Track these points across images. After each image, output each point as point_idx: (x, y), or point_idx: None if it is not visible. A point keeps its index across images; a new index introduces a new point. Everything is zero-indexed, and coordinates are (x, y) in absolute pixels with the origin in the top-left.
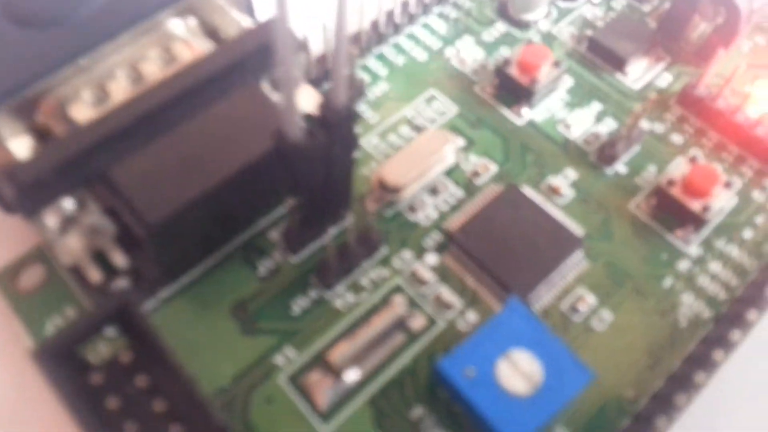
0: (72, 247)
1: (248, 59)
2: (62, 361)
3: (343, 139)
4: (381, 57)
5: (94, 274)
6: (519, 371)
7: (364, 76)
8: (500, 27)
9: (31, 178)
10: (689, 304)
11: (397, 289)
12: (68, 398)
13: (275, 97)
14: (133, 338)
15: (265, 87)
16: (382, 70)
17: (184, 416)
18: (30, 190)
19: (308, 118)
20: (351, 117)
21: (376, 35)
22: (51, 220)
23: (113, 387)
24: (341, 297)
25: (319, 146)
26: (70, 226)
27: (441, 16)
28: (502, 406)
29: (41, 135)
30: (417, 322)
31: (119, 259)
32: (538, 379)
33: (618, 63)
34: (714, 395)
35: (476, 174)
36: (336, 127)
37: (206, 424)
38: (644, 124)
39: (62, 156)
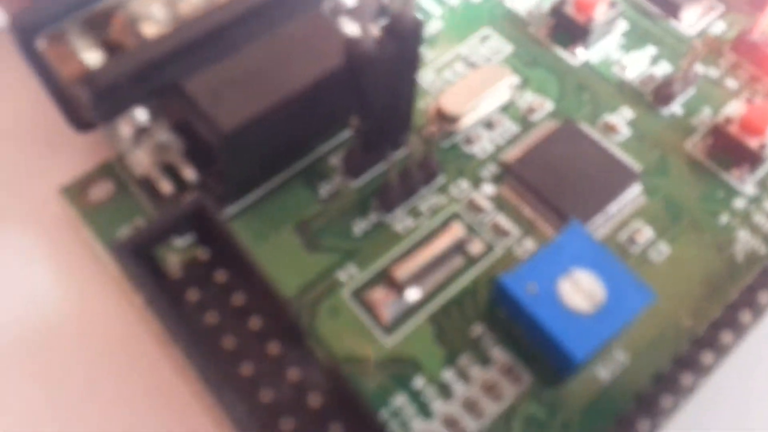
0: (144, 157)
1: None
2: (141, 258)
3: (409, 55)
4: None
5: (165, 186)
6: (580, 289)
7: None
8: None
9: (108, 82)
10: (745, 241)
11: (455, 216)
12: (148, 291)
13: (339, 21)
14: (208, 242)
15: (329, 15)
16: (436, 9)
17: (261, 311)
18: (106, 95)
19: (380, 28)
20: (419, 31)
21: None
22: (125, 129)
23: (192, 282)
24: (401, 221)
25: (388, 57)
26: (142, 137)
27: None
28: (564, 322)
29: (113, 50)
30: (475, 247)
31: (189, 173)
32: (600, 297)
33: (672, 9)
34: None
35: (532, 110)
36: (405, 39)
37: (281, 320)
38: (699, 69)
39: (136, 63)
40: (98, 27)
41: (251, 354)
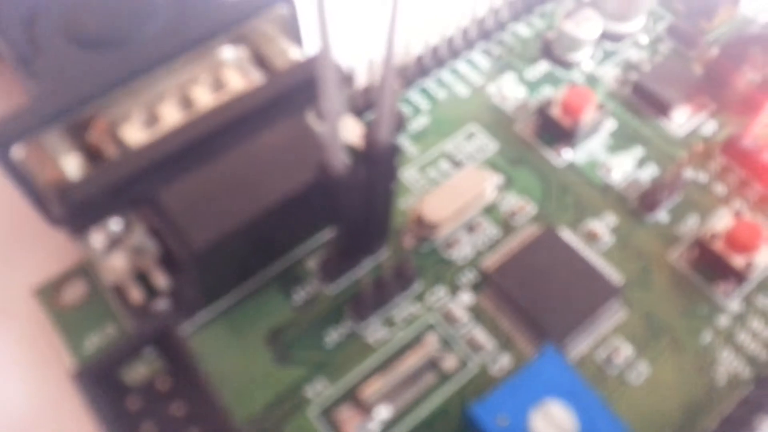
0: (115, 266)
1: (295, 92)
2: (101, 383)
3: (385, 174)
4: (423, 91)
5: (136, 295)
6: (553, 423)
7: (406, 110)
8: (543, 65)
9: (81, 198)
10: (728, 362)
11: (430, 327)
12: (106, 421)
13: (319, 128)
14: (170, 361)
15: (310, 118)
16: (423, 104)
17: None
18: (79, 210)
19: (351, 151)
20: (393, 153)
21: (420, 69)
22: (97, 239)
23: (150, 412)
24: (374, 331)
25: (361, 180)
26: (115, 246)
27: (485, 52)
28: None
29: (91, 154)
30: (449, 363)
31: (161, 280)
32: (572, 430)
33: (662, 108)
34: None
35: (514, 213)
36: (378, 162)
37: None
38: (688, 173)
39: (112, 178)
40: (78, 131)
41: None
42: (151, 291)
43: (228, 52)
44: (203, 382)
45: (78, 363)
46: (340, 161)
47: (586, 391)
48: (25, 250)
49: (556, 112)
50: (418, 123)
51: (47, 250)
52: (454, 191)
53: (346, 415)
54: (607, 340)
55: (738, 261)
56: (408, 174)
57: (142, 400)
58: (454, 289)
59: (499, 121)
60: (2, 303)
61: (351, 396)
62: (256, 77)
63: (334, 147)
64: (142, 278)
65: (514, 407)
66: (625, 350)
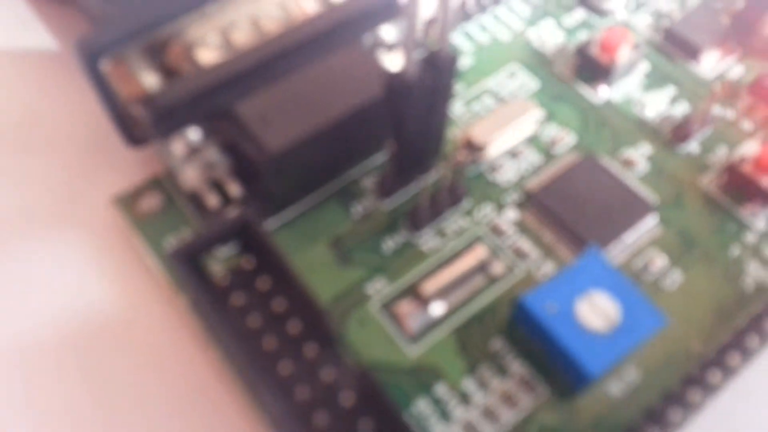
0: (193, 174)
1: (352, 21)
2: (192, 265)
3: (444, 87)
4: (466, 34)
5: (212, 200)
6: (597, 310)
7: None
8: (580, 13)
9: (167, 104)
10: (755, 272)
11: (479, 238)
12: (196, 294)
13: (383, 55)
14: (251, 252)
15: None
16: (467, 46)
17: (299, 316)
18: (165, 116)
19: (420, 61)
20: (454, 64)
21: (463, 14)
22: (178, 147)
23: (237, 287)
24: (427, 241)
25: (428, 87)
26: (193, 155)
27: (525, 0)
28: (581, 340)
29: (169, 74)
30: (496, 269)
31: (234, 189)
32: (615, 318)
33: (692, 52)
34: None
35: (555, 143)
36: (441, 72)
37: (317, 326)
38: (717, 110)
39: (193, 89)
40: (156, 53)
41: (289, 355)
42: (224, 201)
43: None
44: (283, 263)
45: (161, 260)
46: (413, 66)
47: (628, 285)
48: (105, 164)
49: (594, 50)
50: (462, 63)
51: (124, 164)
52: (499, 119)
53: (405, 309)
54: (643, 251)
55: (766, 182)
56: (455, 108)
57: (230, 279)
58: (500, 207)
59: (539, 62)
60: (83, 213)
61: (408, 293)
62: (317, 8)
63: (409, 54)
64: (217, 188)
65: (562, 297)
66: (660, 260)
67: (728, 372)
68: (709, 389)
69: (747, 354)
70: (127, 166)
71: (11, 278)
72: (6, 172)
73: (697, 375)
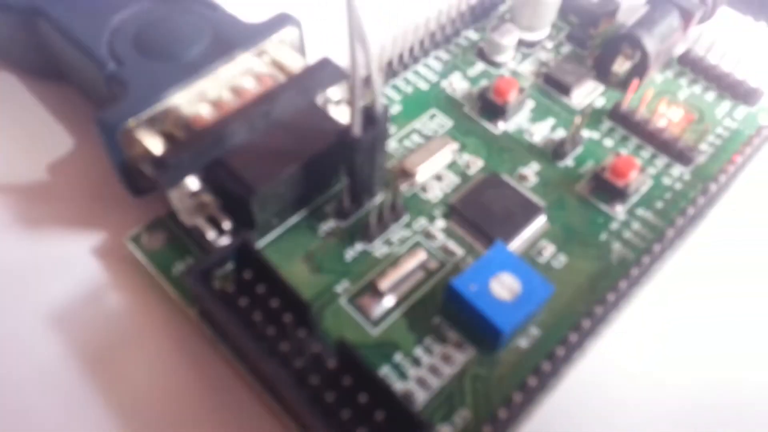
0: (193, 212)
1: (309, 86)
2: (205, 279)
3: (382, 132)
4: (395, 87)
5: (210, 233)
6: (505, 286)
7: (384, 100)
8: (479, 66)
9: (172, 161)
10: (618, 250)
11: (417, 244)
12: (211, 301)
13: (332, 108)
14: (248, 266)
15: (318, 102)
16: (396, 96)
17: (290, 310)
18: (171, 170)
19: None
20: (387, 118)
21: (391, 71)
22: (180, 193)
23: (241, 293)
24: (378, 249)
25: (369, 138)
26: (192, 198)
27: (436, 58)
28: (496, 308)
29: (167, 138)
30: (432, 264)
31: (226, 223)
32: (518, 291)
33: (565, 90)
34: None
35: (468, 166)
36: (379, 124)
37: (303, 315)
38: (584, 133)
39: (191, 147)
40: (157, 122)
41: (285, 338)
42: (219, 232)
43: (254, 61)
44: (275, 273)
45: (173, 283)
46: (358, 121)
47: (525, 266)
48: (112, 210)
49: (491, 95)
50: (393, 109)
51: (131, 211)
52: (425, 151)
53: (367, 301)
54: (536, 242)
55: (620, 183)
56: (390, 145)
57: (234, 287)
58: (431, 218)
59: (451, 105)
60: (104, 249)
61: (368, 289)
62: (278, 76)
63: (355, 113)
64: (212, 222)
65: (479, 279)
66: (549, 248)
67: (598, 320)
68: (586, 333)
69: (609, 307)
70: (130, 211)
71: (44, 300)
72: (38, 218)
73: (578, 324)
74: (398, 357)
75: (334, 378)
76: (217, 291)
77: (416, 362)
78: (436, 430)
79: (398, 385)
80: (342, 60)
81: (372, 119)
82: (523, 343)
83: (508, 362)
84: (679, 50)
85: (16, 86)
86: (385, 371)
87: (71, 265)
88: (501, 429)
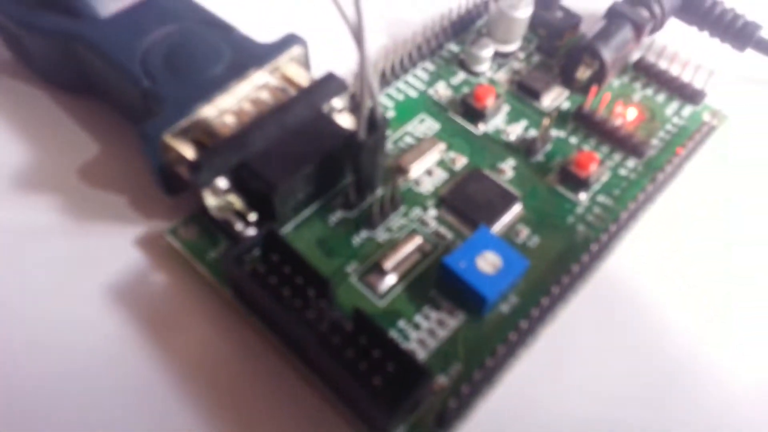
0: (223, 207)
1: (316, 96)
2: (238, 263)
3: (382, 137)
4: (388, 95)
5: (238, 225)
6: (488, 262)
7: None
8: (461, 75)
9: (206, 164)
10: (582, 232)
11: (414, 230)
12: (247, 280)
13: (336, 116)
14: (274, 251)
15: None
16: (389, 103)
17: (312, 285)
18: (205, 172)
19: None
20: (386, 123)
21: (384, 81)
22: (214, 190)
23: (270, 273)
24: (381, 235)
25: (371, 140)
26: (222, 195)
27: (423, 69)
28: (481, 280)
29: (197, 144)
30: (427, 247)
31: (252, 216)
32: (499, 265)
33: (536, 95)
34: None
35: (454, 163)
36: (380, 129)
37: (324, 290)
38: (553, 132)
39: (223, 152)
40: (188, 131)
41: (310, 308)
42: (245, 224)
43: (266, 77)
44: (298, 254)
45: (208, 268)
46: (364, 131)
47: (505, 245)
48: (145, 209)
49: (471, 100)
50: (387, 115)
51: (165, 209)
52: (417, 151)
53: (374, 279)
54: (514, 226)
55: (582, 174)
56: (386, 146)
57: (264, 268)
58: (425, 208)
59: (438, 110)
60: (144, 241)
61: (374, 269)
62: (288, 89)
63: (362, 125)
64: (238, 215)
65: (467, 257)
66: (524, 230)
67: (565, 288)
68: (556, 298)
69: (574, 277)
70: (166, 209)
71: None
72: (87, 212)
73: (549, 291)
74: (402, 323)
75: (352, 339)
76: (251, 272)
77: (416, 327)
78: (435, 378)
79: (402, 346)
80: (339, 70)
81: (374, 124)
82: (504, 308)
83: (492, 324)
84: (633, 57)
85: (43, 99)
86: (391, 335)
87: (117, 256)
88: (488, 375)
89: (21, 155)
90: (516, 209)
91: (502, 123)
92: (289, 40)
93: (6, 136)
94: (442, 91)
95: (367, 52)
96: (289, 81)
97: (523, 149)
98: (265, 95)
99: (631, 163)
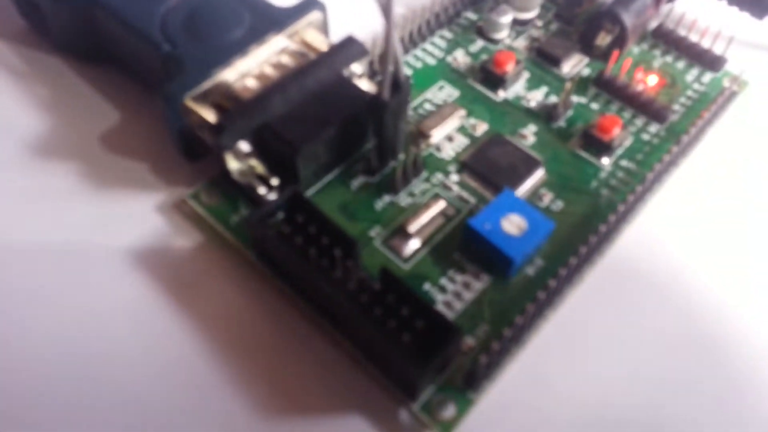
0: (246, 171)
1: (337, 60)
2: (263, 224)
3: (405, 99)
4: (406, 63)
5: (261, 189)
6: (513, 224)
7: None
8: (480, 43)
9: (229, 125)
10: (606, 195)
11: (437, 194)
12: (274, 241)
13: (356, 80)
14: (299, 212)
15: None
16: (408, 71)
17: (338, 245)
18: (228, 134)
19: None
20: (409, 83)
21: (403, 49)
22: (237, 153)
23: (296, 234)
24: (404, 199)
25: (395, 102)
26: (245, 158)
27: (442, 37)
28: (507, 242)
29: (218, 108)
30: (449, 210)
31: (274, 180)
32: (525, 227)
33: (555, 62)
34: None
35: (475, 128)
36: (403, 90)
37: (350, 250)
38: (574, 98)
39: (244, 114)
40: (209, 94)
41: (337, 268)
42: (268, 188)
43: (287, 41)
44: (323, 215)
45: (231, 231)
46: (388, 92)
47: (530, 208)
48: (165, 175)
49: (492, 67)
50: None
51: (186, 174)
52: (437, 117)
53: (398, 242)
54: (537, 191)
55: (606, 137)
56: (408, 113)
57: (290, 229)
58: (446, 173)
59: (457, 78)
60: (165, 206)
61: (398, 232)
62: (308, 55)
63: (387, 84)
64: (261, 179)
65: (492, 219)
66: (548, 195)
67: (591, 250)
68: (583, 259)
69: (601, 237)
70: (186, 175)
71: (126, 244)
72: (109, 178)
73: (577, 250)
74: (427, 286)
75: (380, 297)
76: (277, 233)
77: (442, 290)
78: (463, 336)
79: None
80: (361, 35)
81: (397, 86)
82: (529, 271)
83: (519, 286)
84: (652, 25)
85: (61, 67)
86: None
87: (139, 222)
88: (517, 334)
89: (41, 123)
90: (539, 173)
91: (522, 89)
92: (308, 5)
93: (26, 105)
94: (460, 58)
95: (392, 9)
96: (307, 46)
97: (544, 115)
98: (285, 59)
99: (653, 128)
